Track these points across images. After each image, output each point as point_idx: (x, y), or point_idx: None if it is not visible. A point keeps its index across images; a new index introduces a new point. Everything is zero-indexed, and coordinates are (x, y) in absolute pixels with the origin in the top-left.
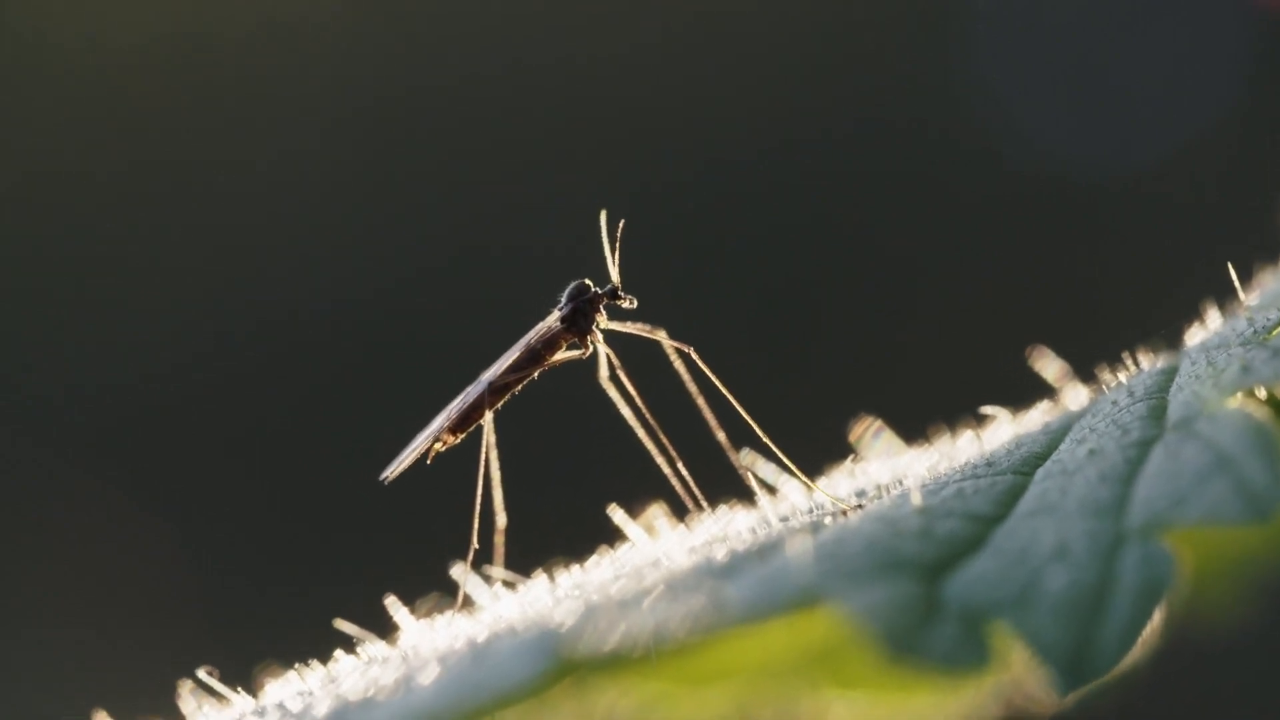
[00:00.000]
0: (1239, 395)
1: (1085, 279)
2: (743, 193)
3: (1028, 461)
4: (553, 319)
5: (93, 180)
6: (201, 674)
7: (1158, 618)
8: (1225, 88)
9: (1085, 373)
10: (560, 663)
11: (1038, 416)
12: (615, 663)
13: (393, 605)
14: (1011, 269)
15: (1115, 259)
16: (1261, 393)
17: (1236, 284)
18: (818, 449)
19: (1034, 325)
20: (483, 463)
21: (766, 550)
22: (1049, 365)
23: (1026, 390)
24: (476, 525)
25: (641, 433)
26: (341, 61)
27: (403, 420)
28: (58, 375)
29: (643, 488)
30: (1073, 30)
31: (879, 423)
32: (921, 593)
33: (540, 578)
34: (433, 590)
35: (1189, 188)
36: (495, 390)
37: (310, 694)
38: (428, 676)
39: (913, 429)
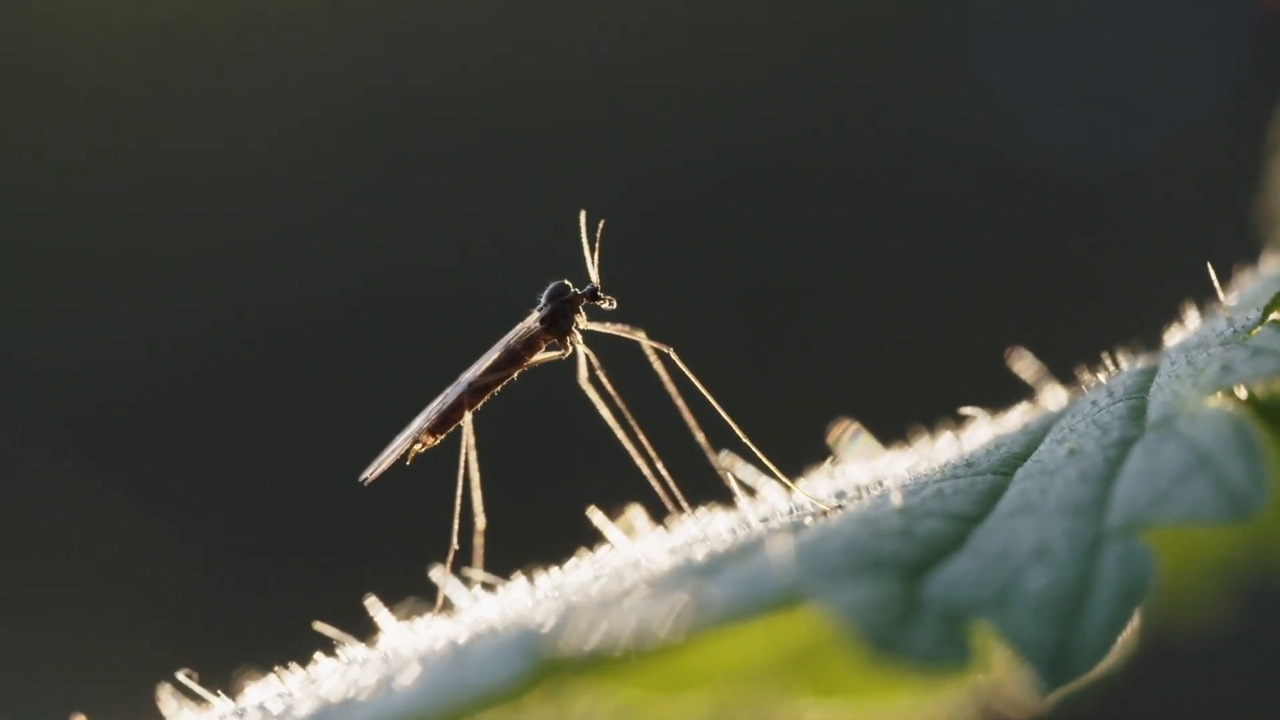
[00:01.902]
0: (1219, 395)
1: (1071, 280)
2: (733, 191)
3: (1007, 462)
4: (532, 320)
5: (93, 176)
6: (181, 676)
7: (1136, 618)
8: (1224, 87)
9: (1064, 374)
10: (541, 663)
11: (1017, 417)
12: (596, 663)
13: (373, 606)
14: (995, 270)
15: (1107, 258)
16: (1241, 392)
17: (1216, 284)
18: (797, 451)
19: (1013, 328)
20: (462, 464)
21: (747, 550)
22: (1027, 366)
23: (1005, 392)
24: (456, 527)
25: (621, 434)
26: (330, 53)
27: (399, 417)
28: (52, 370)
29: (622, 489)
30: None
31: (856, 425)
32: (902, 592)
33: (520, 579)
34: (412, 592)
35: (1187, 186)
36: (474, 391)
37: (290, 695)
38: (408, 677)
39: (892, 430)
